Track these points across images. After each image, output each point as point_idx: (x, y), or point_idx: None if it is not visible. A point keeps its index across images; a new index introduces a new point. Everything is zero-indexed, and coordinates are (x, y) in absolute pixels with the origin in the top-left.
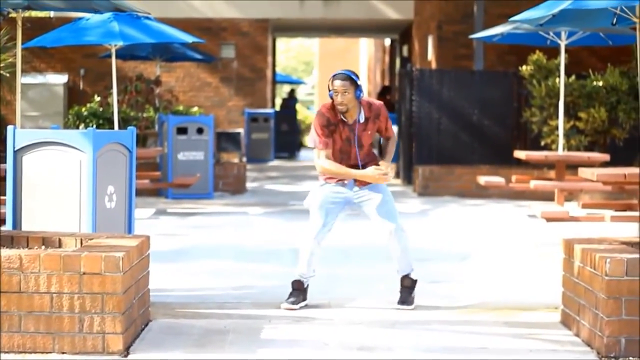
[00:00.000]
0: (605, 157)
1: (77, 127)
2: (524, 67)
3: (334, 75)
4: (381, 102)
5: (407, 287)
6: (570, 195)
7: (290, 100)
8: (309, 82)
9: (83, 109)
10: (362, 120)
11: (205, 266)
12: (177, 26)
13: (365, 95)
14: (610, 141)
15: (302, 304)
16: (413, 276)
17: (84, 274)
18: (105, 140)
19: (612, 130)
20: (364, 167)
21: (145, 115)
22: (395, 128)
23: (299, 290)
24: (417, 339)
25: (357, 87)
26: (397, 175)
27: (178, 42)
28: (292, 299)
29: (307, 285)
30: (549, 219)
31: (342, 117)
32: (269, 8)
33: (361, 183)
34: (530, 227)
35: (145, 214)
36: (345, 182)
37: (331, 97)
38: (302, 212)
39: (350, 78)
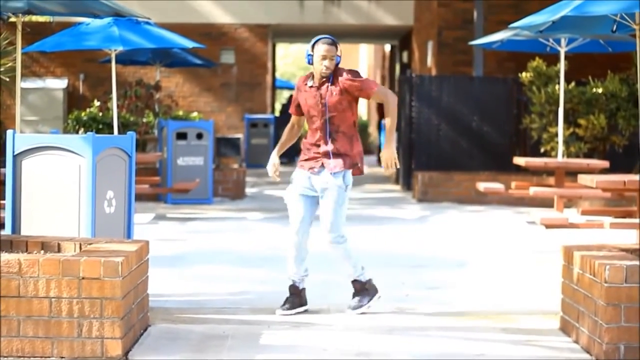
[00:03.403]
0: (605, 164)
1: (77, 132)
2: (524, 73)
3: (319, 39)
4: (345, 69)
5: (357, 290)
6: (570, 202)
7: (290, 106)
8: None
9: (83, 114)
10: (330, 82)
11: (204, 271)
12: (177, 31)
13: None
14: (609, 148)
15: (300, 309)
16: (362, 279)
17: (83, 278)
18: (105, 145)
19: (612, 137)
20: (333, 137)
21: (144, 120)
22: (395, 135)
23: (294, 294)
24: (415, 345)
25: (338, 54)
26: (396, 181)
27: (178, 47)
28: (286, 305)
29: (303, 288)
30: (548, 226)
31: (312, 82)
32: (269, 14)
33: (330, 168)
34: (530, 233)
35: (144, 219)
36: (315, 169)
37: (309, 62)
38: None
39: (336, 44)
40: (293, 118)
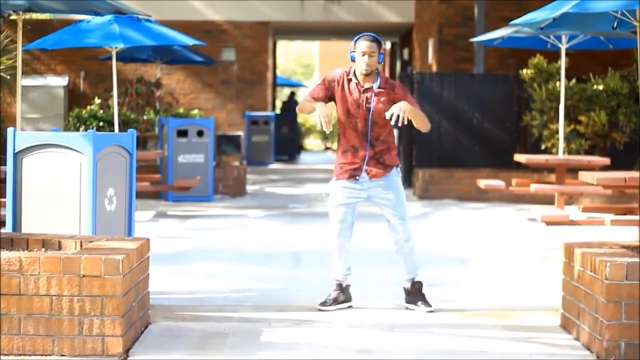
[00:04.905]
0: (606, 160)
1: (78, 130)
2: (525, 70)
3: (360, 36)
4: (398, 82)
5: (419, 290)
6: (571, 199)
7: (291, 103)
8: (310, 85)
9: (83, 111)
10: (376, 87)
11: (205, 269)
12: (178, 28)
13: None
14: (610, 145)
15: (344, 305)
16: (417, 279)
17: (83, 276)
18: (106, 143)
19: (613, 134)
20: (373, 144)
21: (145, 117)
22: (395, 132)
23: (337, 290)
24: (417, 342)
25: (380, 52)
26: None
27: (178, 44)
28: (330, 300)
29: (347, 285)
30: (549, 223)
31: (355, 80)
32: (270, 11)
33: (372, 175)
34: (531, 230)
35: (145, 216)
36: (357, 177)
37: (352, 60)
38: (302, 215)
39: (378, 40)
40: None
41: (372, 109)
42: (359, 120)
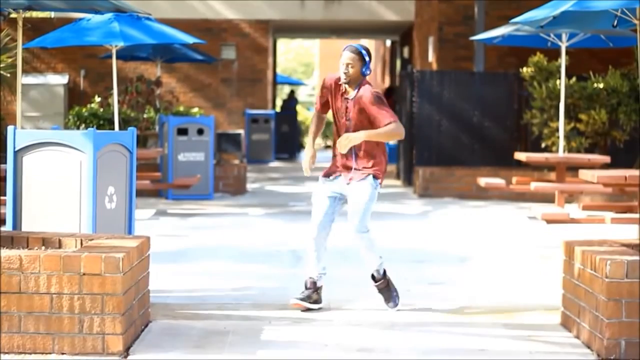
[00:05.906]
0: (606, 159)
1: (78, 128)
2: (525, 68)
3: (346, 47)
4: (373, 90)
5: (381, 289)
6: (571, 197)
7: (291, 101)
8: (310, 84)
9: (83, 110)
10: (352, 96)
11: (205, 267)
12: (178, 27)
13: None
14: (610, 143)
15: (315, 306)
16: (377, 274)
17: (83, 274)
18: (106, 141)
19: (613, 132)
20: (356, 154)
21: (145, 116)
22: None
23: (310, 289)
24: (416, 340)
25: (365, 64)
26: (397, 177)
27: (179, 42)
28: (304, 295)
29: (320, 285)
30: (549, 221)
31: (344, 88)
32: (270, 9)
33: (350, 178)
34: (531, 228)
35: (145, 214)
36: (331, 177)
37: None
38: (302, 214)
39: (359, 53)
40: (316, 113)
41: (350, 119)
42: (341, 129)
